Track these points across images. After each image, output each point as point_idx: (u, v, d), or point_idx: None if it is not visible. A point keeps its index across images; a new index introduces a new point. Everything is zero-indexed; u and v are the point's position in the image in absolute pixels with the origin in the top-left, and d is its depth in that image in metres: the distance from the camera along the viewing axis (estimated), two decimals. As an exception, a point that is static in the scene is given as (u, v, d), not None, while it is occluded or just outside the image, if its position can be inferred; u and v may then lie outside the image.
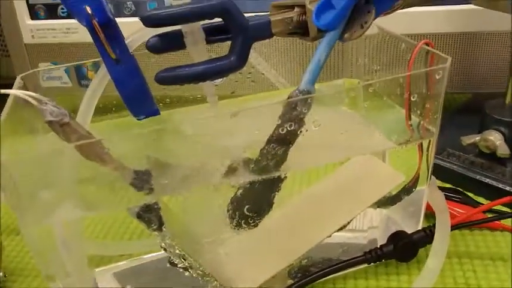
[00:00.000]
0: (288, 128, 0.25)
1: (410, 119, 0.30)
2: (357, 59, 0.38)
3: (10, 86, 0.29)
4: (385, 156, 0.35)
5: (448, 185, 0.40)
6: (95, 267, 0.33)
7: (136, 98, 0.29)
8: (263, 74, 0.39)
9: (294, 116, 0.25)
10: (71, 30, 0.53)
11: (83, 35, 0.55)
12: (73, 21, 0.52)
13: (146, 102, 0.29)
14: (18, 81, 0.30)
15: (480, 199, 0.38)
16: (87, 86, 0.53)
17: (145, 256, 0.34)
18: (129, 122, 0.31)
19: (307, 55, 0.43)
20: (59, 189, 0.26)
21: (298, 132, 0.26)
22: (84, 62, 0.36)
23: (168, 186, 0.27)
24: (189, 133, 0.27)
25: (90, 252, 0.34)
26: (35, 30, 0.53)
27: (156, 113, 0.30)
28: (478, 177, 0.39)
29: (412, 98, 0.28)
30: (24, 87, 0.30)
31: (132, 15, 0.51)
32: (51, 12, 0.53)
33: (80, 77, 0.51)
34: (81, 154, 0.25)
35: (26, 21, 0.53)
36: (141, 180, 0.26)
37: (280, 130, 0.25)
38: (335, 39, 0.27)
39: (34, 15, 0.53)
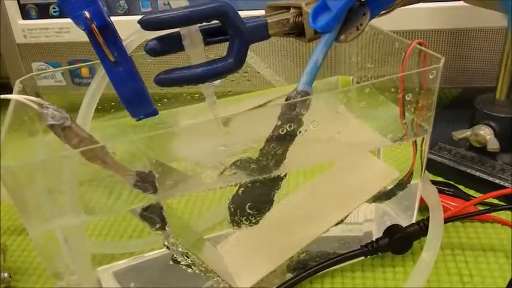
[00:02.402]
0: (288, 129, 0.26)
1: (404, 117, 0.31)
2: (350, 56, 0.38)
3: (3, 86, 0.29)
4: (379, 152, 0.36)
5: (439, 179, 0.41)
6: (97, 266, 0.34)
7: (134, 99, 0.29)
8: (259, 72, 0.39)
9: (292, 116, 0.26)
10: (63, 30, 0.53)
11: (75, 34, 0.55)
12: (65, 21, 0.53)
13: (144, 103, 0.30)
14: (17, 85, 0.30)
15: (471, 192, 0.39)
16: (80, 84, 0.53)
17: (146, 254, 0.35)
18: (128, 122, 0.31)
19: (302, 53, 0.44)
20: (62, 194, 0.26)
21: (298, 133, 0.26)
22: (81, 65, 0.36)
23: (170, 188, 0.27)
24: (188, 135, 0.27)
25: (92, 251, 0.34)
26: (27, 30, 0.53)
27: (154, 113, 0.30)
28: (469, 170, 0.40)
29: (407, 97, 0.29)
30: (24, 91, 0.30)
31: (125, 14, 0.51)
32: (42, 11, 0.53)
33: (74, 75, 0.51)
34: (83, 157, 0.25)
35: (17, 21, 0.53)
36: (144, 181, 0.27)
37: (280, 131, 0.26)
38: (331, 41, 0.27)
39: (25, 15, 0.53)
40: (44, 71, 0.34)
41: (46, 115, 0.26)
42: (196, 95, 0.35)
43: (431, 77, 0.28)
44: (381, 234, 0.32)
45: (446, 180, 0.40)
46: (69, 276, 0.28)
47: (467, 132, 0.40)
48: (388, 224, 0.33)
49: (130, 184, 0.27)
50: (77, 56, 0.54)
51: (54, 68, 0.55)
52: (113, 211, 0.29)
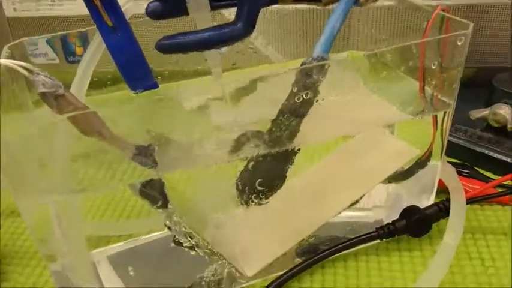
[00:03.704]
0: (304, 97, 0.24)
1: (424, 90, 0.29)
2: (362, 29, 0.36)
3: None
4: (394, 130, 0.34)
5: (455, 160, 0.39)
6: (92, 248, 0.32)
7: (133, 66, 0.27)
8: (250, 47, 0.37)
9: (309, 83, 0.24)
10: (55, 3, 0.50)
11: (68, 8, 0.53)
12: (58, -7, 0.50)
13: (144, 74, 0.27)
14: (5, 50, 0.27)
15: (488, 174, 0.37)
16: (74, 62, 0.51)
17: (144, 237, 0.33)
18: (125, 95, 0.29)
19: (304, 29, 0.42)
20: (55, 168, 0.24)
21: (314, 101, 0.24)
22: (71, 31, 0.34)
23: (172, 162, 0.25)
24: (190, 107, 0.25)
25: (86, 233, 0.32)
26: (17, 2, 0.50)
27: (154, 86, 0.28)
28: (486, 151, 0.38)
29: (432, 65, 0.27)
30: (12, 57, 0.28)
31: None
32: (33, -17, 0.50)
33: (67, 53, 0.48)
34: (77, 129, 0.23)
35: (7, -7, 0.50)
36: (144, 155, 0.25)
37: (296, 99, 0.24)
38: (350, 4, 0.25)
39: (16, -13, 0.50)
40: (34, 38, 0.31)
41: (37, 82, 0.23)
42: (199, 67, 0.33)
43: (459, 43, 0.26)
44: (392, 220, 0.30)
45: (462, 162, 0.38)
46: (63, 258, 0.26)
47: (485, 111, 0.38)
48: (402, 207, 0.31)
49: (128, 157, 0.25)
50: (70, 30, 0.51)
51: (47, 44, 0.52)
52: (110, 186, 0.27)
